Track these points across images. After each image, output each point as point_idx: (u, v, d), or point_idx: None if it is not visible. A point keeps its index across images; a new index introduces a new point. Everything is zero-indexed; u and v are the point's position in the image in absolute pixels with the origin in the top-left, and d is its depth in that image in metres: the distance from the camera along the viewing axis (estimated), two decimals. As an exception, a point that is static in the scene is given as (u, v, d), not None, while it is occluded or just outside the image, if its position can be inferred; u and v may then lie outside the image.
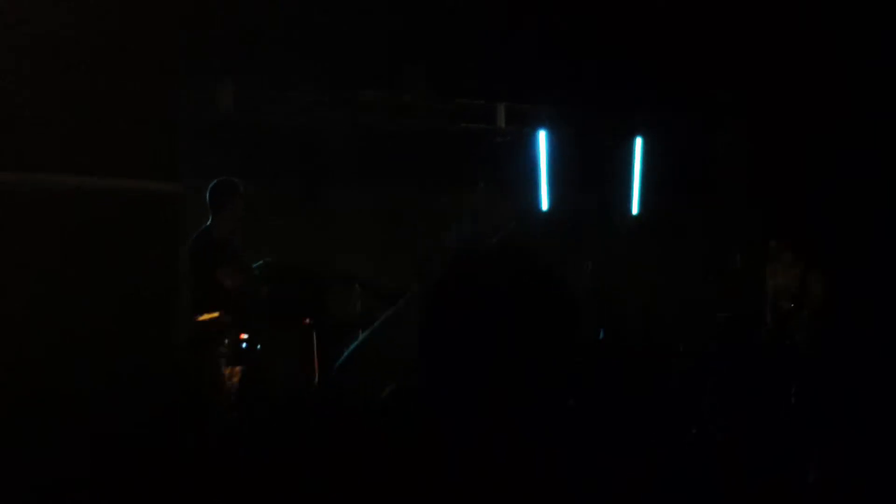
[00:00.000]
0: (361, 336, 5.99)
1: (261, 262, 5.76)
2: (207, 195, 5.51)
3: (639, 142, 8.30)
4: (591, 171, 8.15)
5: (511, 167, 8.14)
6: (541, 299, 1.74)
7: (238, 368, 5.17)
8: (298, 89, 7.39)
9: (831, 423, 3.55)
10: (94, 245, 2.88)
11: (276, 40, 6.67)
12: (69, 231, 2.87)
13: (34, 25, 2.82)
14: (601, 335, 4.87)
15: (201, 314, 5.12)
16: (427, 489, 1.61)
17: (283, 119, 7.39)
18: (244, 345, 5.25)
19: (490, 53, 7.07)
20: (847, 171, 6.58)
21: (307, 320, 5.69)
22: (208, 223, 5.49)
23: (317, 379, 5.53)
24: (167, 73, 3.06)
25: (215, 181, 5.56)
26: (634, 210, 8.40)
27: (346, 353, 5.78)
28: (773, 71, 7.08)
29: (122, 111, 2.94)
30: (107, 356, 2.83)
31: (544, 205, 8.28)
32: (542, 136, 8.20)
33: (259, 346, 5.30)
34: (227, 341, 5.15)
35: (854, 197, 6.41)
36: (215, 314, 5.08)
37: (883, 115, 6.42)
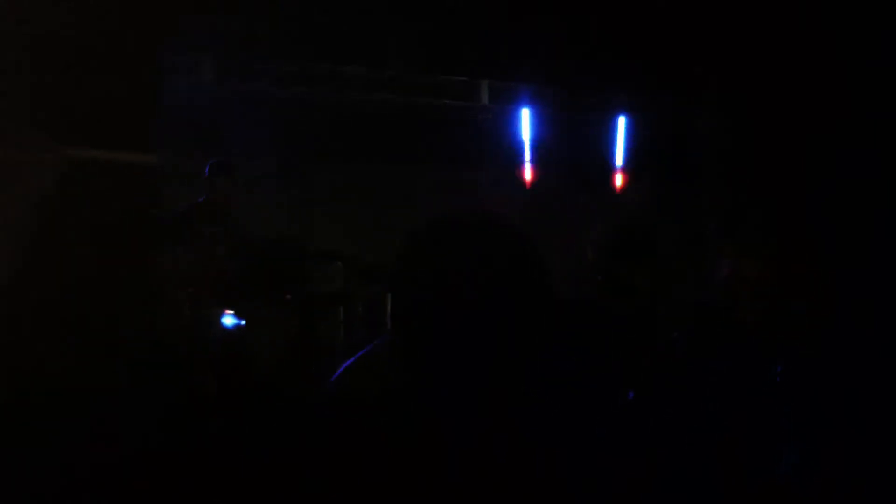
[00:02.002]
0: None
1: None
2: (206, 171, 5.58)
3: (622, 121, 8.29)
4: (574, 149, 8.15)
5: (494, 144, 8.14)
6: (513, 276, 1.70)
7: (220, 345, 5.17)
8: (280, 62, 7.40)
9: (830, 423, 3.54)
10: (71, 214, 2.86)
11: (256, 12, 6.68)
12: (46, 200, 2.86)
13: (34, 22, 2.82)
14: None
15: (180, 287, 5.13)
16: (410, 484, 1.61)
17: (266, 92, 7.40)
18: (229, 319, 5.26)
19: (474, 29, 7.07)
20: (844, 167, 6.59)
21: (287, 296, 5.71)
22: (201, 199, 5.56)
23: (300, 357, 5.55)
24: (146, 47, 3.05)
25: (212, 160, 5.63)
26: (617, 191, 8.41)
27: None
28: (771, 64, 7.07)
29: (99, 85, 2.92)
30: (86, 329, 2.81)
31: (527, 182, 8.29)
32: (526, 114, 8.20)
33: (244, 322, 5.31)
34: (206, 315, 5.16)
35: (847, 190, 6.42)
36: (191, 288, 5.09)
37: (882, 114, 6.42)
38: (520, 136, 8.19)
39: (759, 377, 3.73)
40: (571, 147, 8.11)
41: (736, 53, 7.02)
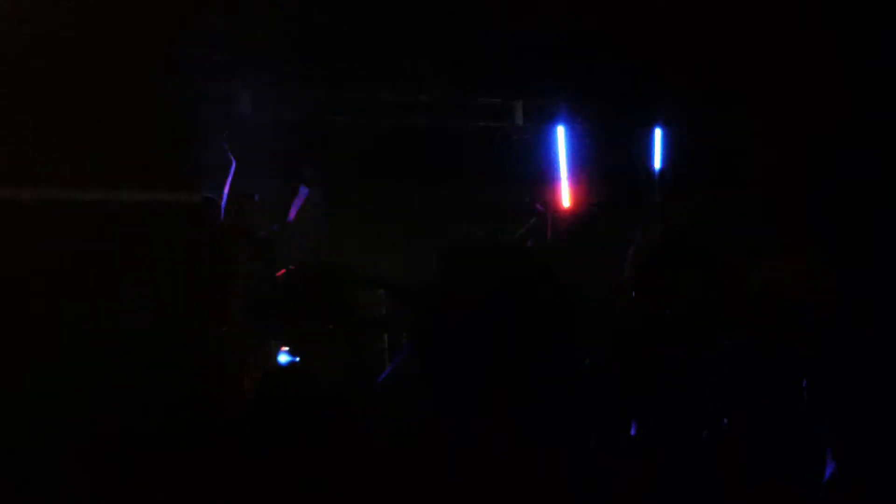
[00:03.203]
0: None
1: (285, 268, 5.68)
2: (224, 201, 5.44)
3: (658, 133, 8.18)
4: (611, 165, 8.10)
5: (530, 164, 8.10)
6: (538, 302, 1.73)
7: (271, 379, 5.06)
8: (315, 88, 7.39)
9: (831, 423, 3.55)
10: (109, 261, 2.85)
11: (289, 39, 6.67)
12: (84, 247, 2.85)
13: (34, 27, 2.81)
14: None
15: (224, 325, 4.98)
16: (426, 490, 1.62)
17: (303, 118, 7.38)
18: (285, 356, 5.15)
19: (506, 50, 7.06)
20: (847, 169, 6.59)
21: (331, 325, 5.61)
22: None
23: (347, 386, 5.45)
24: (179, 78, 3.04)
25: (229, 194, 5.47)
26: (658, 204, 8.29)
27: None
28: (779, 67, 7.07)
29: (133, 119, 2.91)
30: (132, 375, 2.80)
31: (565, 202, 8.22)
32: (561, 132, 8.12)
33: (298, 358, 5.20)
34: (259, 353, 5.03)
35: (851, 190, 6.42)
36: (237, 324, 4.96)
37: (883, 115, 6.42)
38: (556, 154, 8.14)
39: (759, 377, 3.74)
40: (609, 162, 8.06)
41: (763, 59, 6.99)
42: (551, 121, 8.21)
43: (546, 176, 8.19)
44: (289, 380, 5.05)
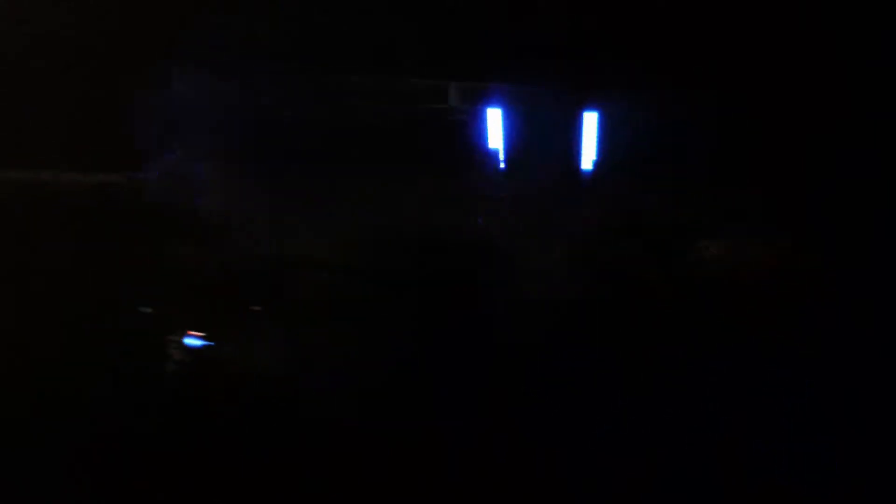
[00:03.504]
0: None
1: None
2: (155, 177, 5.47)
3: (596, 116, 8.08)
4: (548, 148, 8.04)
5: (465, 148, 8.02)
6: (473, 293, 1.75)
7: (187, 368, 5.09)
8: (255, 73, 7.37)
9: (831, 423, 3.55)
10: (50, 240, 2.86)
11: (289, 39, 6.67)
12: (37, 225, 2.86)
13: (34, 27, 2.82)
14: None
15: (143, 306, 5.02)
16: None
17: (240, 99, 7.37)
18: (192, 340, 5.17)
19: (442, 30, 7.03)
20: (847, 169, 6.58)
21: (257, 308, 5.60)
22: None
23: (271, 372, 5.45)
24: (179, 77, 3.07)
25: (158, 168, 5.51)
26: (590, 190, 8.21)
27: None
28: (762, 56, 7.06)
29: (128, 117, 2.93)
30: (76, 349, 2.82)
31: (501, 186, 8.14)
32: (497, 115, 8.01)
33: (212, 343, 5.21)
34: (173, 337, 5.06)
35: (848, 189, 6.41)
36: (152, 307, 4.98)
37: (883, 115, 6.42)
38: (494, 137, 8.06)
39: (759, 377, 3.74)
40: (548, 146, 7.99)
41: (725, 48, 6.98)
42: (486, 103, 8.07)
43: (485, 159, 8.11)
44: (206, 365, 5.07)
